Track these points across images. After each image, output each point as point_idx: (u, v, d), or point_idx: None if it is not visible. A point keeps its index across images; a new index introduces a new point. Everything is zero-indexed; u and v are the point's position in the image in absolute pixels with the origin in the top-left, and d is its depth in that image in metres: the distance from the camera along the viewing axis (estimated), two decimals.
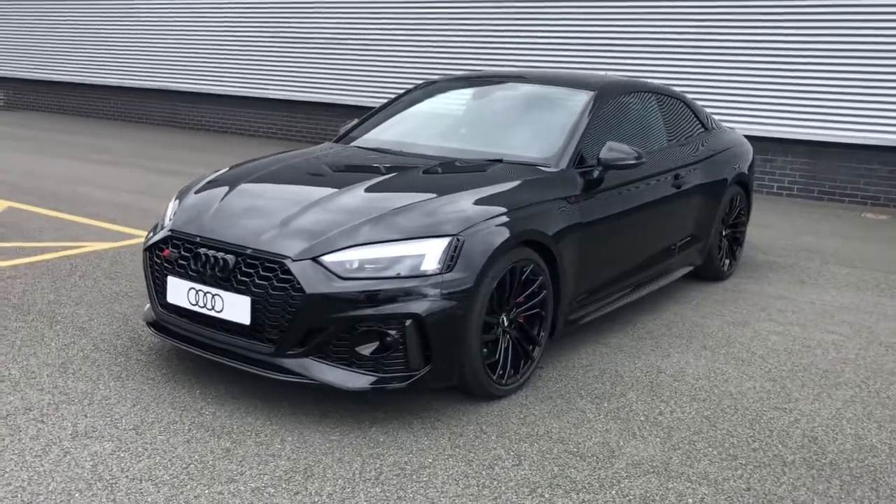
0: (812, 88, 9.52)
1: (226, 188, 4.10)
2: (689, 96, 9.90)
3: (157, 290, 3.88)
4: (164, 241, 3.88)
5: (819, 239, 7.71)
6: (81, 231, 6.89)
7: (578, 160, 4.43)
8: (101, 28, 16.06)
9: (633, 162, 4.41)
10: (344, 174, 4.39)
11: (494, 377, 3.75)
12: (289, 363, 3.46)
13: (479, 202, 3.80)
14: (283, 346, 3.45)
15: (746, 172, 6.13)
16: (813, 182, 9.84)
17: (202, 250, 3.66)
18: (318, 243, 3.49)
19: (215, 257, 3.59)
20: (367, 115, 5.32)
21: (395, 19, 12.44)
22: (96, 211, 7.72)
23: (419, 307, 3.40)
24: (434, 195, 3.85)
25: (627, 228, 4.69)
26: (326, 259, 3.44)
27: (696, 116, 5.83)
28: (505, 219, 3.76)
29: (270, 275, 3.46)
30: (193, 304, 3.67)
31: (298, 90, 13.50)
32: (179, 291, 3.72)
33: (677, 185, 5.17)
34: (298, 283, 3.38)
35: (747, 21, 9.80)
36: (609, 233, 4.52)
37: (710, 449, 3.47)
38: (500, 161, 4.39)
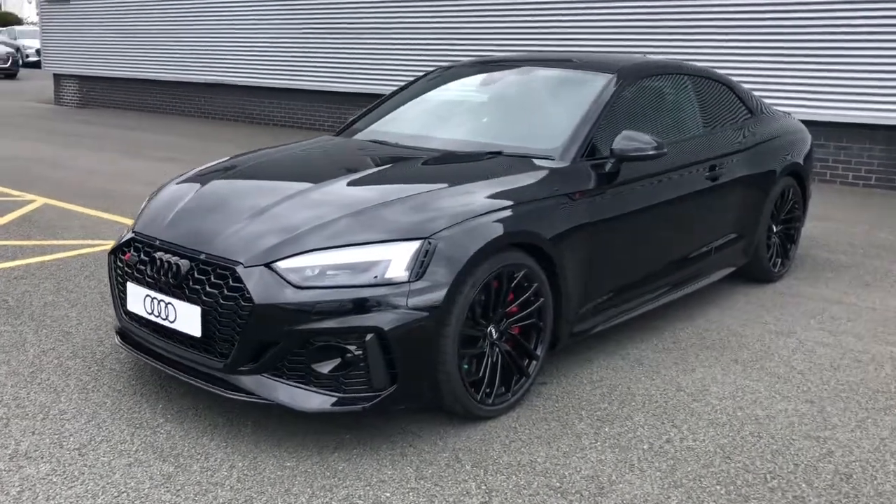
0: (893, 68, 8.67)
1: (197, 185, 3.80)
2: (750, 79, 9.30)
3: (120, 296, 3.61)
4: (127, 243, 3.60)
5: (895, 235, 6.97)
6: (107, 229, 6.76)
7: (589, 152, 3.96)
8: (171, 25, 16.19)
9: (651, 153, 3.91)
10: (326, 170, 4.03)
11: (479, 396, 3.34)
12: (240, 380, 3.13)
13: (459, 201, 3.39)
14: (235, 361, 3.12)
15: (801, 162, 5.50)
16: (894, 171, 8.99)
17: (158, 254, 3.36)
18: (272, 247, 3.14)
19: (169, 262, 3.29)
20: (373, 105, 4.96)
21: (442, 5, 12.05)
22: (132, 209, 7.60)
23: (381, 320, 3.01)
24: (412, 193, 3.45)
25: (648, 227, 4.19)
26: (281, 265, 3.09)
27: (742, 101, 5.25)
28: (488, 219, 3.33)
29: (221, 282, 3.14)
30: (149, 313, 3.38)
31: (376, 83, 13.09)
32: (137, 299, 3.44)
33: (713, 177, 4.62)
34: (248, 293, 3.05)
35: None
36: (625, 233, 4.03)
37: (717, 487, 2.98)
38: (499, 153, 3.96)
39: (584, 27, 10.79)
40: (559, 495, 2.90)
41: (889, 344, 4.41)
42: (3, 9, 55.67)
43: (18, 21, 47.32)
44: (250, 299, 3.04)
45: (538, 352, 3.61)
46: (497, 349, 3.44)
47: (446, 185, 3.55)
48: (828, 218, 7.40)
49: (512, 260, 3.39)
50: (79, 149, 11.56)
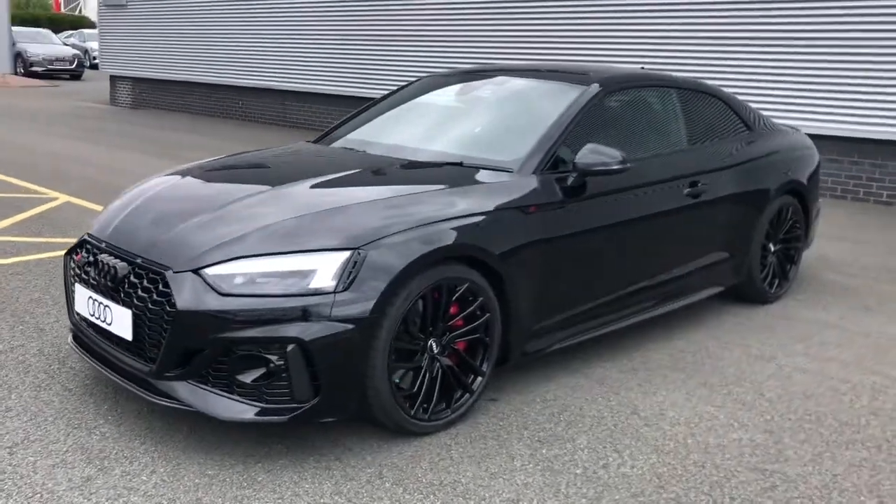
0: None
1: (154, 188, 3.83)
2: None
3: (70, 297, 3.65)
4: (80, 244, 3.64)
5: None
6: None
7: (552, 164, 3.86)
8: (216, 30, 16.50)
9: (615, 167, 3.79)
10: (283, 176, 4.00)
11: (413, 411, 3.28)
12: (166, 386, 3.12)
13: (398, 212, 3.33)
14: (161, 366, 3.12)
15: (802, 181, 5.28)
16: None
17: (101, 256, 3.39)
18: (203, 253, 3.13)
19: (109, 265, 3.31)
20: (355, 113, 4.94)
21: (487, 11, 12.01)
22: None
23: (303, 331, 2.97)
24: (352, 202, 3.41)
25: (615, 245, 4.06)
26: (209, 271, 3.08)
27: (738, 115, 5.07)
28: (426, 231, 3.26)
29: (152, 287, 3.14)
30: (91, 315, 3.41)
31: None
32: (83, 300, 3.47)
33: (694, 193, 4.47)
34: (174, 298, 3.04)
35: (841, 14, 8.69)
36: (587, 250, 3.92)
37: None
38: (459, 164, 3.89)
39: (599, 36, 10.64)
40: None
41: (873, 373, 4.19)
42: (82, 13, 57.67)
43: (92, 25, 48.90)
44: (175, 305, 3.03)
45: (484, 368, 3.53)
46: (437, 364, 3.37)
47: (391, 195, 3.50)
48: (844, 238, 7.12)
49: (452, 273, 3.32)
50: (116, 148, 11.83)
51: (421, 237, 3.23)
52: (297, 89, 14.97)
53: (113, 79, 19.71)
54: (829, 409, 3.76)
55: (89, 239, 3.59)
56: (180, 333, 3.04)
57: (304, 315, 2.99)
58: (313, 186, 3.69)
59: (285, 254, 3.09)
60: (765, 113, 6.87)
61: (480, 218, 3.45)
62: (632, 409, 3.69)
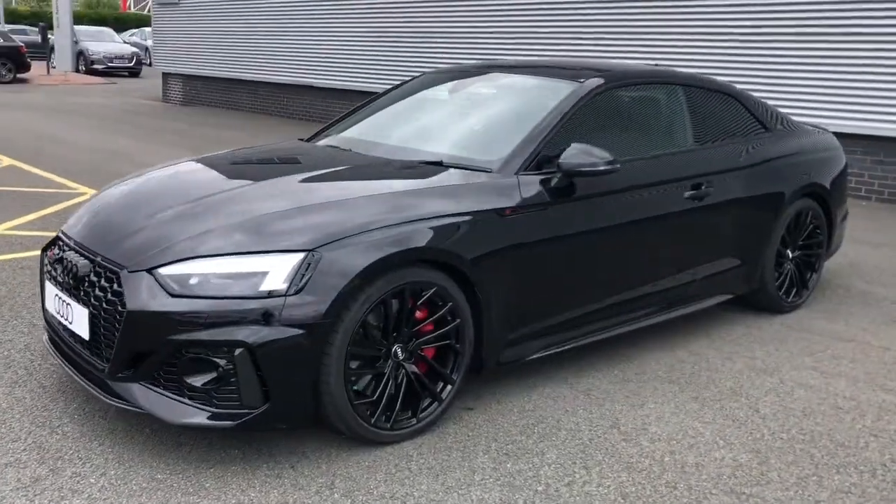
0: None
1: (129, 185, 3.78)
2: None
3: (42, 295, 3.63)
4: (53, 241, 3.62)
5: None
6: None
7: (538, 165, 3.70)
8: (262, 28, 16.64)
9: (602, 168, 3.61)
10: (257, 174, 3.91)
11: (374, 420, 3.16)
12: (120, 387, 3.07)
13: (361, 212, 3.21)
14: (115, 366, 3.06)
15: (824, 184, 5.00)
16: None
17: (68, 254, 3.36)
18: (157, 252, 3.07)
19: (72, 263, 3.28)
20: (351, 111, 4.84)
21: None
22: None
23: (250, 334, 2.88)
24: (314, 202, 3.30)
25: (606, 250, 3.87)
26: (162, 271, 3.01)
27: (754, 115, 4.82)
28: (389, 233, 3.13)
29: (108, 286, 3.09)
30: (57, 313, 3.38)
31: None
32: (50, 297, 3.45)
33: (698, 196, 4.25)
34: (125, 298, 2.99)
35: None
36: (575, 255, 3.74)
37: None
38: (439, 163, 3.76)
39: (616, 30, 10.35)
40: None
41: (885, 391, 3.93)
42: (148, 12, 59.03)
43: None
44: (125, 305, 2.97)
45: (454, 376, 3.39)
46: (403, 370, 3.24)
47: (359, 195, 3.37)
48: (883, 244, 6.75)
49: (417, 277, 3.19)
50: (156, 144, 11.99)
51: (383, 240, 3.11)
52: (338, 87, 14.98)
53: (165, 76, 20.04)
54: (825, 429, 3.52)
55: (61, 236, 3.57)
56: (131, 334, 2.98)
57: (253, 318, 2.90)
58: (283, 185, 3.60)
59: (239, 254, 3.00)
60: (787, 110, 6.65)
61: (450, 220, 3.31)
62: (612, 423, 3.51)
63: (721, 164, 4.43)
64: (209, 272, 2.98)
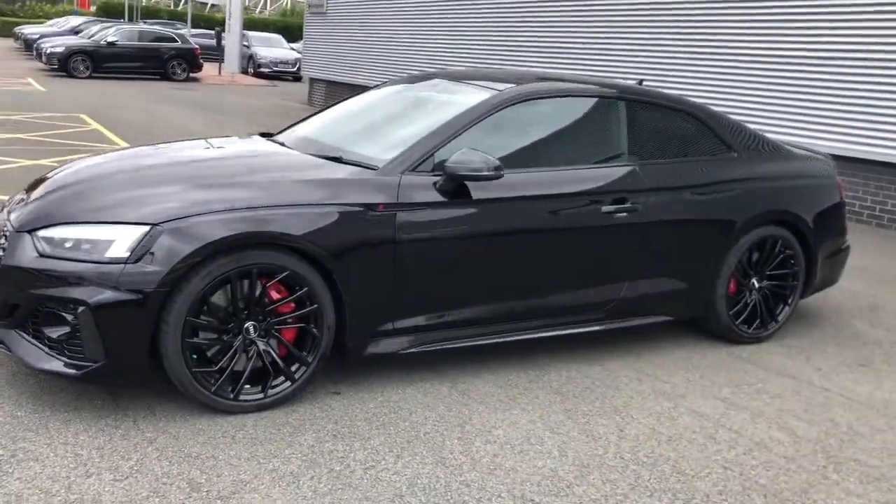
0: None
1: (61, 170, 4.17)
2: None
3: None
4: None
5: None
6: None
7: (432, 168, 3.81)
8: (402, 37, 17.33)
9: (486, 174, 3.69)
10: (168, 160, 4.16)
11: (213, 388, 3.41)
12: (1, 333, 3.48)
13: (221, 193, 3.46)
14: None
15: (796, 212, 4.72)
16: None
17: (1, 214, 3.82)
18: (40, 217, 3.47)
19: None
20: (318, 110, 5.10)
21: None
22: None
23: (91, 294, 3.21)
24: (190, 183, 3.59)
25: (494, 256, 3.89)
26: (40, 233, 3.40)
27: (716, 134, 4.65)
28: (240, 215, 3.37)
29: (2, 243, 3.52)
30: None
31: None
32: None
33: (621, 210, 4.17)
34: (3, 252, 3.41)
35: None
36: (457, 257, 3.81)
37: None
38: (338, 158, 3.95)
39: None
40: (189, 488, 2.90)
41: (781, 429, 3.71)
42: None
43: None
44: (1, 259, 3.39)
45: (310, 358, 3.58)
46: (254, 347, 3.47)
47: (231, 181, 3.62)
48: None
49: (267, 259, 3.41)
50: None
51: (231, 220, 3.35)
52: None
53: (312, 81, 21.23)
54: (676, 455, 3.40)
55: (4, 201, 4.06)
56: (5, 286, 3.39)
57: (98, 281, 3.23)
58: (174, 170, 3.87)
59: (95, 223, 3.35)
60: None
61: (312, 210, 3.50)
62: (462, 422, 3.56)
63: (657, 181, 4.32)
64: (72, 237, 3.34)
